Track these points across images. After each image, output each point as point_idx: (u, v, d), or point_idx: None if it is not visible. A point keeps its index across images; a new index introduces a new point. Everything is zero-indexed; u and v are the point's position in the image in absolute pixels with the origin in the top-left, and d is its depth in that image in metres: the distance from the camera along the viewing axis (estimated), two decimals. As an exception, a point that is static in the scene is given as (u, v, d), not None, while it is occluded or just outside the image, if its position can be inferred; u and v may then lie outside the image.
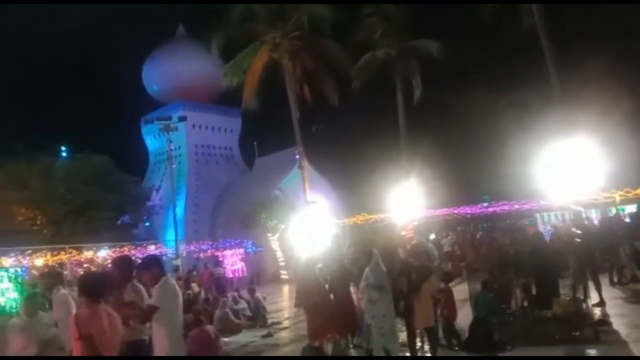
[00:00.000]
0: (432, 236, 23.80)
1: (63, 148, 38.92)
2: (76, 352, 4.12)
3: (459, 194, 28.51)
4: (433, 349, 7.99)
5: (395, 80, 26.76)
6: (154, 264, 5.48)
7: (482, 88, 27.76)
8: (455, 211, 26.02)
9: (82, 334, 4.11)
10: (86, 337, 4.14)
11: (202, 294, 17.81)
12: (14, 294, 15.70)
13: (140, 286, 5.49)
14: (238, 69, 24.62)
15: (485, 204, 27.01)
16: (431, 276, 8.35)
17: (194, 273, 21.36)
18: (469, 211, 26.42)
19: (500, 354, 7.78)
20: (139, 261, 6.14)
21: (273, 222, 28.59)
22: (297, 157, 25.76)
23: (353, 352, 8.64)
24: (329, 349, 7.79)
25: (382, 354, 7.64)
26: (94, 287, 4.31)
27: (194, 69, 43.85)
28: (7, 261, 20.82)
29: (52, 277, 7.71)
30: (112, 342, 4.19)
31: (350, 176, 34.21)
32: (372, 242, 9.91)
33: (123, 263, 5.72)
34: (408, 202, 19.56)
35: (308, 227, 18.49)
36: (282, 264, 28.76)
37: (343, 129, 37.64)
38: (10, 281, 16.42)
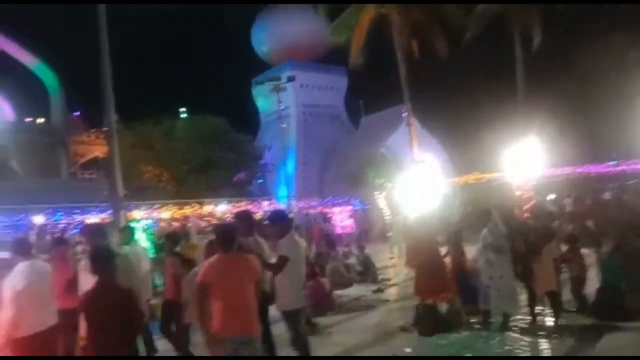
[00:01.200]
0: (552, 196, 22.37)
1: (183, 110, 41.74)
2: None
3: (583, 151, 26.37)
4: (556, 314, 7.61)
5: (513, 31, 24.87)
6: (282, 218, 5.73)
7: (611, 39, 25.00)
8: (579, 170, 24.12)
9: (200, 280, 4.45)
10: (201, 284, 4.46)
11: (314, 249, 18.42)
12: (145, 244, 17.38)
13: (261, 239, 5.78)
14: (345, 26, 24.32)
15: (613, 162, 24.72)
16: (553, 239, 7.89)
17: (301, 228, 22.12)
18: (595, 170, 24.37)
19: (632, 323, 7.21)
20: (268, 215, 6.44)
21: (380, 181, 28.56)
22: (405, 114, 25.22)
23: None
24: (443, 309, 7.72)
25: (499, 316, 7.45)
26: (226, 236, 4.58)
27: (301, 28, 44.21)
28: (139, 214, 23.01)
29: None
30: (235, 289, 4.36)
31: (461, 134, 32.93)
32: (487, 202, 9.54)
33: (245, 217, 6.01)
34: (525, 160, 18.43)
35: (416, 185, 18.20)
36: (389, 222, 28.82)
37: (453, 84, 36.01)
38: (142, 232, 18.31)
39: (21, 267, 5.14)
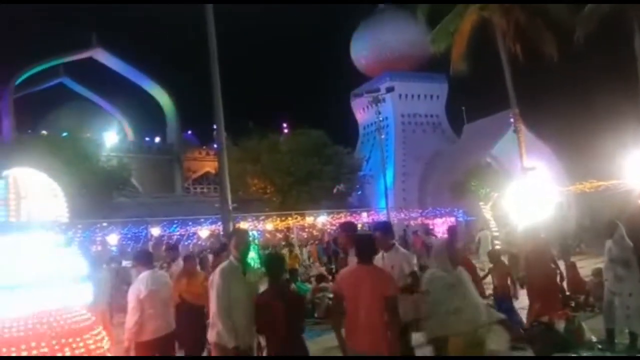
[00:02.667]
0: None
1: (284, 124, 43.15)
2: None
3: None
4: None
5: (634, 26, 22.76)
6: (390, 230, 5.68)
7: None
8: None
9: (334, 290, 4.52)
10: (335, 293, 4.54)
11: (415, 260, 18.00)
12: (251, 254, 18.07)
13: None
14: (445, 33, 23.76)
15: None
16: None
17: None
18: None
19: None
20: (377, 225, 6.41)
21: (485, 191, 27.36)
22: (512, 120, 23.98)
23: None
24: (560, 326, 7.16)
25: (624, 336, 6.77)
26: (365, 246, 4.51)
27: (400, 38, 44.03)
28: (245, 225, 24.05)
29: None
30: (363, 301, 4.23)
31: (574, 139, 30.65)
32: (607, 212, 8.75)
33: (348, 228, 6.02)
34: (652, 166, 16.69)
35: (526, 195, 17.20)
36: (495, 233, 27.49)
37: (564, 86, 33.74)
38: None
39: (144, 275, 5.56)
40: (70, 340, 3.37)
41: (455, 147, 40.58)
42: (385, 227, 5.80)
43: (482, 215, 28.58)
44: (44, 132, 38.75)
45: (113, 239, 21.76)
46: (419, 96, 45.94)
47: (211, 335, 4.41)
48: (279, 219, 25.28)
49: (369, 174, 38.00)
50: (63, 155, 23.44)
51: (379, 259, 5.46)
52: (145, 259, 5.76)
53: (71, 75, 47.72)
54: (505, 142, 29.82)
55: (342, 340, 4.31)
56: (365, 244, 4.55)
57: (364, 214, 29.46)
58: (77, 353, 3.34)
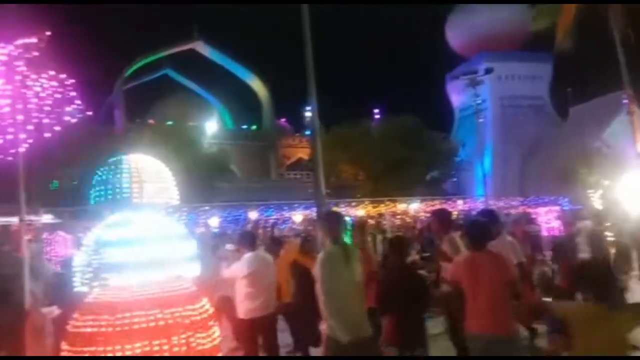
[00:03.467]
0: None
1: (376, 110, 42.81)
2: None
3: None
4: None
5: None
6: (496, 219, 5.47)
7: None
8: None
9: (450, 278, 4.46)
10: (451, 282, 4.49)
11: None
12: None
13: (457, 238, 5.53)
14: (550, 9, 22.18)
15: None
16: None
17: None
18: None
19: None
20: (481, 214, 6.21)
21: (594, 178, 25.39)
22: (625, 101, 21.93)
23: None
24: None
25: None
26: (478, 234, 4.42)
27: (499, 16, 41.85)
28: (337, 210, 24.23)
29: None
30: (484, 287, 4.13)
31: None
32: None
33: (441, 215, 5.88)
34: None
35: (642, 183, 15.69)
36: (607, 224, 25.44)
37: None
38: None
39: (246, 257, 5.79)
40: (180, 309, 3.65)
41: (561, 131, 38.05)
42: (490, 215, 5.57)
43: (590, 204, 26.58)
44: (151, 121, 41.53)
45: (214, 221, 22.90)
46: (520, 77, 43.48)
47: (324, 328, 4.21)
48: (371, 205, 25.18)
49: (465, 160, 36.74)
50: (169, 143, 24.98)
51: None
52: (249, 241, 6.01)
53: (174, 66, 50.62)
54: (617, 125, 27.48)
55: (458, 324, 4.27)
56: (478, 230, 4.46)
57: (460, 202, 28.43)
58: (185, 321, 3.63)
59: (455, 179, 37.71)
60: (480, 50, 42.38)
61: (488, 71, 24.47)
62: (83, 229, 14.78)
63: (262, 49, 55.36)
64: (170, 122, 34.95)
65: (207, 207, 22.83)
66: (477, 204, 27.35)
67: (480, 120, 26.53)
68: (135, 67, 45.41)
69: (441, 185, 35.14)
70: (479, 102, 25.66)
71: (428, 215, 26.72)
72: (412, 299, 4.35)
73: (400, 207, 26.91)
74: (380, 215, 26.10)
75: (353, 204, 25.28)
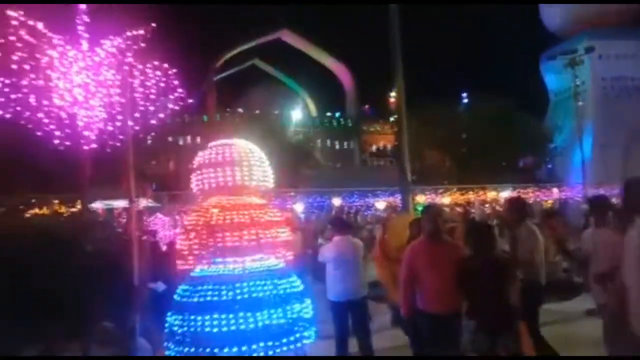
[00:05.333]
0: None
1: (464, 94, 41.37)
2: None
3: None
4: None
5: None
6: (604, 205, 5.12)
7: None
8: None
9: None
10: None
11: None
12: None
13: (533, 227, 5.39)
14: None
15: None
16: None
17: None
18: None
19: None
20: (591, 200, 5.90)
21: None
22: None
23: None
24: None
25: None
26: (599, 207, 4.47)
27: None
28: (422, 198, 23.81)
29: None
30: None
31: None
32: None
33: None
34: None
35: None
36: None
37: None
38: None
39: (335, 240, 5.86)
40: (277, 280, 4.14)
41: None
42: (601, 202, 5.21)
43: None
44: (240, 109, 43.02)
45: (299, 207, 23.39)
46: (625, 56, 40.04)
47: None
48: (458, 192, 24.51)
49: (561, 145, 34.62)
50: (257, 130, 25.77)
51: (587, 236, 4.97)
52: (339, 225, 6.08)
53: (262, 56, 51.93)
54: None
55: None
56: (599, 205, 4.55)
57: (555, 190, 26.89)
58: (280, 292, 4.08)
59: (549, 166, 35.65)
60: (579, 28, 39.49)
61: (588, 50, 22.76)
62: (179, 212, 15.74)
63: (346, 35, 55.19)
64: (257, 111, 36.01)
65: (292, 193, 23.32)
66: (574, 192, 25.73)
67: (580, 103, 24.81)
68: (225, 58, 47.17)
69: (534, 172, 33.41)
70: (578, 83, 24.00)
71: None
72: (499, 284, 4.23)
73: (490, 194, 25.95)
74: (469, 203, 25.34)
75: (440, 191, 24.70)
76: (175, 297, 4.17)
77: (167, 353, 4.22)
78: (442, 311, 4.41)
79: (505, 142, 29.25)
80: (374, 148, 51.81)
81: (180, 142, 37.13)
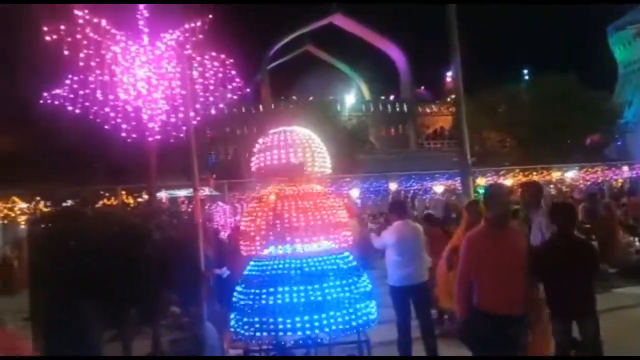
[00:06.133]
0: None
1: (525, 71, 39.73)
2: None
3: None
4: None
5: None
6: None
7: None
8: None
9: None
10: None
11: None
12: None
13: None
14: None
15: None
16: None
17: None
18: None
19: None
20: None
21: None
22: None
23: None
24: None
25: None
26: None
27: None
28: (483, 180, 23.13)
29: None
30: None
31: None
32: None
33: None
34: None
35: None
36: None
37: None
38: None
39: (395, 225, 5.79)
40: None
41: None
42: None
43: None
44: (294, 97, 43.28)
45: (355, 193, 23.34)
46: None
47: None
48: (521, 173, 23.62)
49: (631, 120, 32.68)
50: (311, 117, 25.85)
51: None
52: (399, 209, 6.00)
53: (314, 42, 51.85)
54: None
55: None
56: None
57: (625, 168, 25.37)
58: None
59: (619, 143, 33.74)
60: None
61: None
62: (238, 200, 16.11)
63: (400, 16, 54.19)
64: (311, 98, 36.09)
65: (348, 179, 23.29)
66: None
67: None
68: (278, 46, 47.48)
69: (602, 150, 31.73)
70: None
71: (588, 183, 24.43)
72: (579, 268, 4.06)
73: (555, 175, 24.89)
74: (532, 184, 24.42)
75: (501, 172, 23.94)
76: (245, 272, 4.51)
77: (232, 324, 4.41)
78: (504, 312, 3.75)
79: (571, 120, 27.87)
80: (430, 130, 50.79)
81: (238, 132, 37.89)
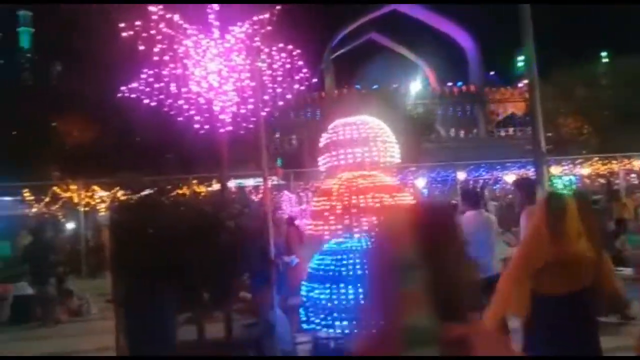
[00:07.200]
0: None
1: (603, 53, 37.34)
2: None
3: None
4: None
5: None
6: None
7: None
8: None
9: None
10: None
11: None
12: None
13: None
14: None
15: None
16: None
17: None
18: None
19: None
20: None
21: None
22: None
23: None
24: None
25: None
26: None
27: None
28: (558, 169, 22.01)
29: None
30: None
31: None
32: None
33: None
34: None
35: None
36: None
37: None
38: (564, 189, 17.39)
39: (467, 214, 5.65)
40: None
41: None
42: None
43: None
44: (359, 86, 43.02)
45: (421, 182, 22.91)
46: None
47: None
48: (600, 162, 22.30)
49: None
50: (375, 106, 25.61)
51: None
52: (471, 199, 5.86)
53: (378, 29, 51.18)
54: None
55: None
56: None
57: None
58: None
59: None
60: None
61: None
62: (303, 189, 16.26)
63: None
64: (375, 86, 35.75)
65: (413, 168, 22.89)
66: None
67: None
68: (341, 35, 47.32)
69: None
70: None
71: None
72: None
73: (637, 163, 23.32)
74: (612, 173, 23.05)
75: (578, 161, 22.72)
76: (309, 268, 4.45)
77: (302, 323, 4.45)
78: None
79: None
80: (501, 117, 48.94)
81: (302, 120, 38.23)
